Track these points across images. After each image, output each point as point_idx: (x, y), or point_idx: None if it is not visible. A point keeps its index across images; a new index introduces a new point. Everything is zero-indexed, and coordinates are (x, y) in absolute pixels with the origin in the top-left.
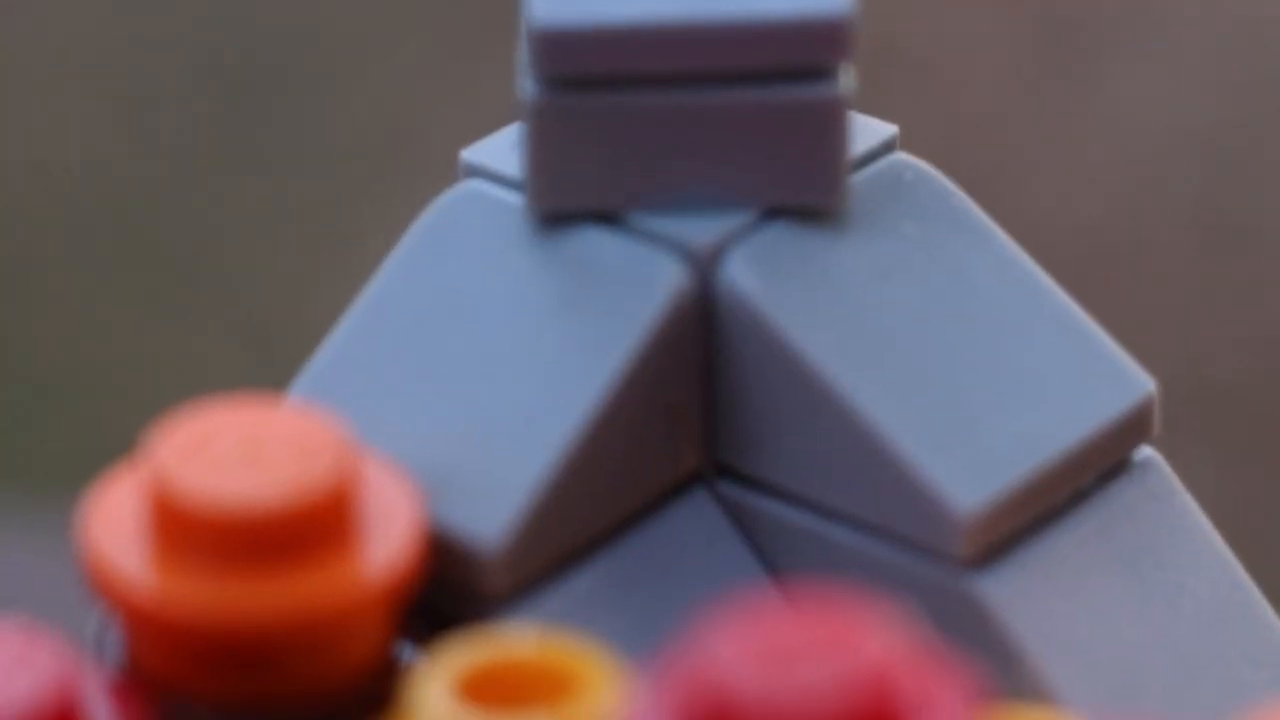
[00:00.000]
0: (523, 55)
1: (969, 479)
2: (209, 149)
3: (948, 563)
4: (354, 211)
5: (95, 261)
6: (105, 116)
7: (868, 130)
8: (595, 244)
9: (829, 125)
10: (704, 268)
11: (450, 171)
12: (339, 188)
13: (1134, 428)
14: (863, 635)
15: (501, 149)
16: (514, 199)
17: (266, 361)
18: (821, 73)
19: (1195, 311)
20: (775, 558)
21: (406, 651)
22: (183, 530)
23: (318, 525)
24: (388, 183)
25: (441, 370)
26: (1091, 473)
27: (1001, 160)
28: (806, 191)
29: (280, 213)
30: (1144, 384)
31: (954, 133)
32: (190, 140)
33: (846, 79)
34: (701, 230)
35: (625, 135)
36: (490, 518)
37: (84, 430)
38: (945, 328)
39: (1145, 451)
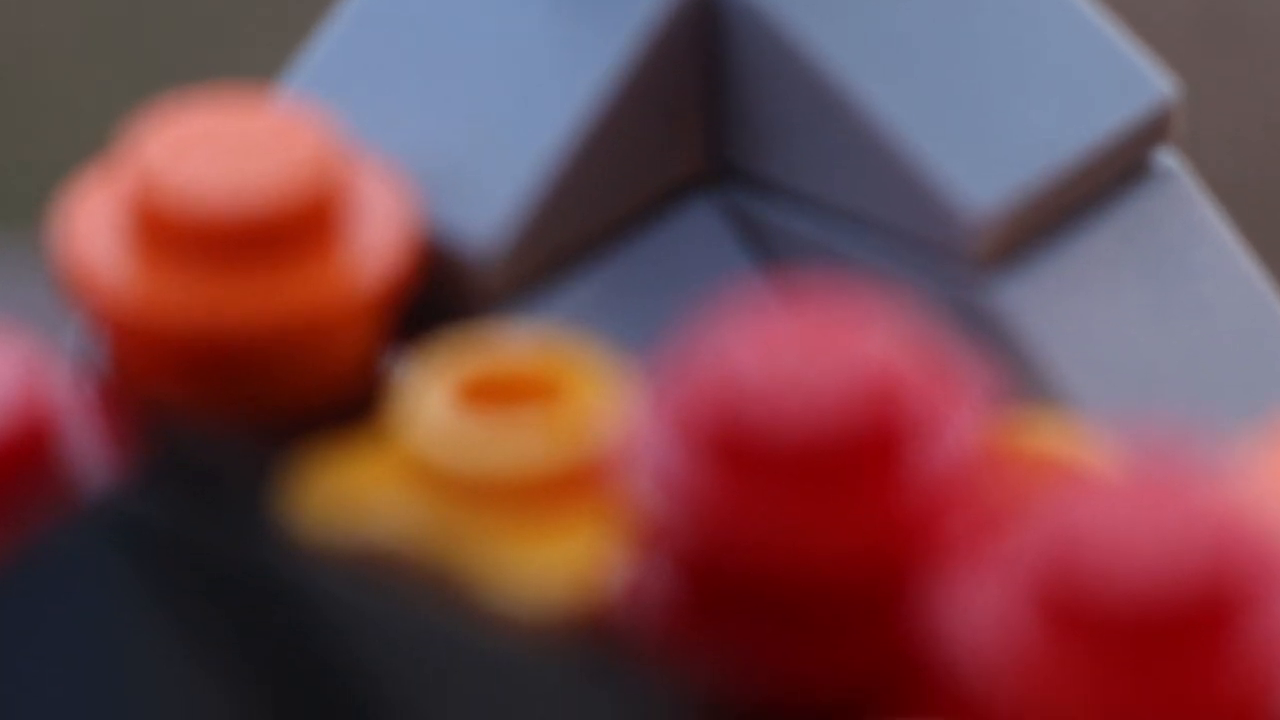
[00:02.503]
0: None
1: (983, 177)
2: None
3: (960, 266)
4: None
5: (90, 43)
6: None
7: None
8: None
9: None
10: None
11: None
12: None
13: (1151, 129)
14: (873, 335)
15: None
16: None
17: None
18: None
19: (1192, 110)
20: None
21: (398, 360)
22: (168, 230)
23: (305, 224)
24: None
25: (434, 70)
26: (1109, 175)
27: None
28: None
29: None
30: (1161, 86)
31: None
32: None
33: None
34: None
35: None
36: (485, 218)
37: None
38: (958, 27)
39: (1168, 162)
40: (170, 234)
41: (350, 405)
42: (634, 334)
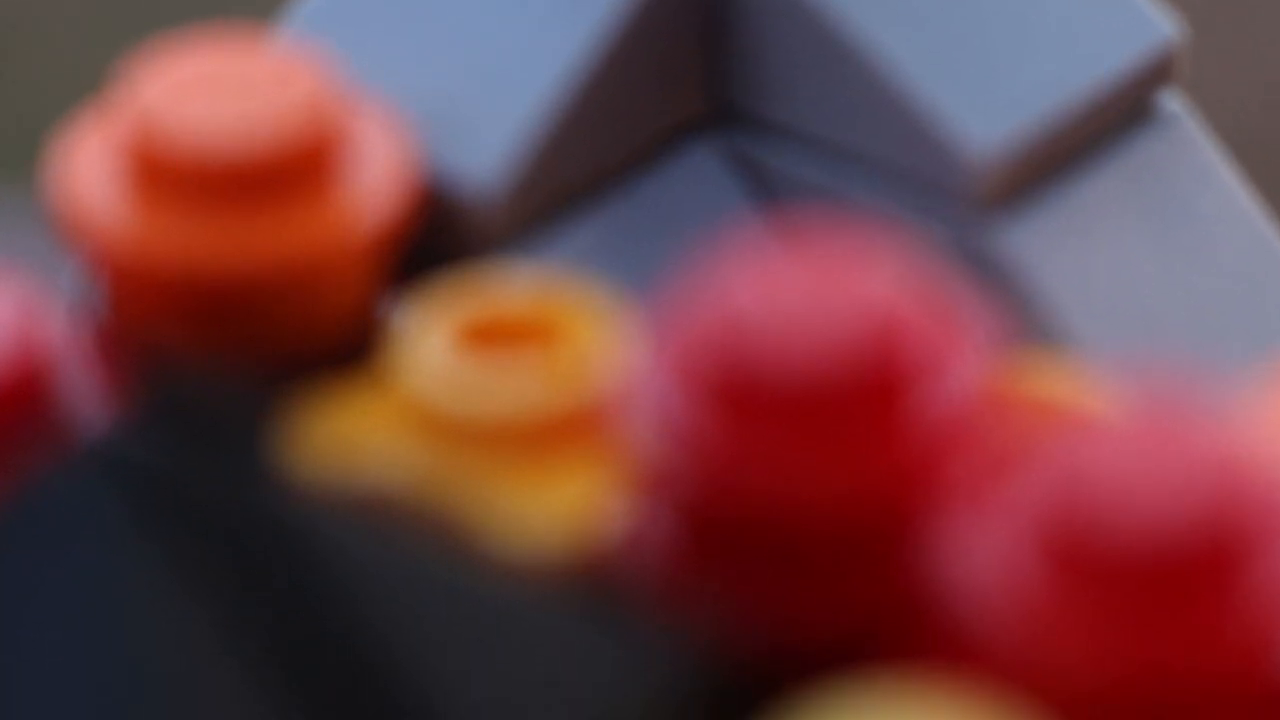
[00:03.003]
0: None
1: (986, 118)
2: None
3: (964, 208)
4: None
5: None
6: None
7: None
8: None
9: None
10: None
11: None
12: None
13: (1155, 71)
14: (876, 278)
15: None
16: None
17: None
18: None
19: (1194, 65)
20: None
21: (397, 303)
22: (165, 172)
23: (302, 166)
24: None
25: (433, 12)
26: (1113, 117)
27: None
28: None
29: None
30: (1165, 29)
31: None
32: None
33: None
34: None
35: None
36: (484, 161)
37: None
38: None
39: (1172, 106)
40: (167, 176)
41: (349, 348)
42: (634, 277)
